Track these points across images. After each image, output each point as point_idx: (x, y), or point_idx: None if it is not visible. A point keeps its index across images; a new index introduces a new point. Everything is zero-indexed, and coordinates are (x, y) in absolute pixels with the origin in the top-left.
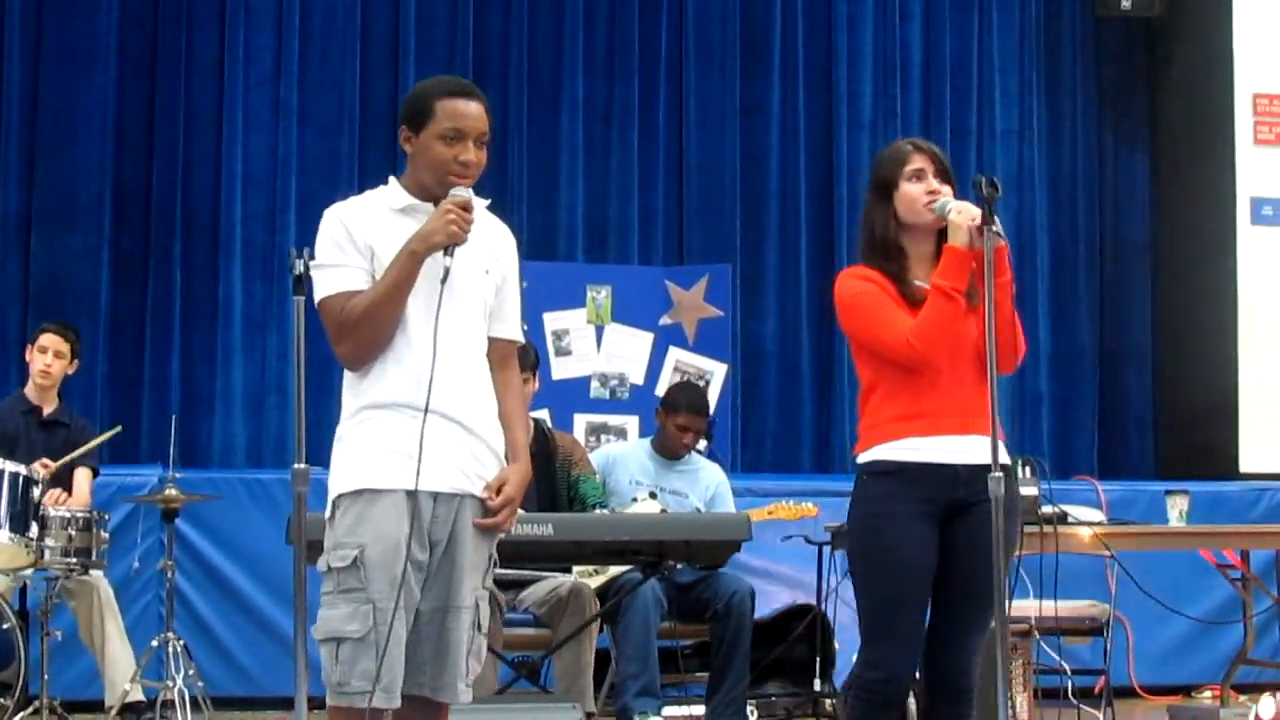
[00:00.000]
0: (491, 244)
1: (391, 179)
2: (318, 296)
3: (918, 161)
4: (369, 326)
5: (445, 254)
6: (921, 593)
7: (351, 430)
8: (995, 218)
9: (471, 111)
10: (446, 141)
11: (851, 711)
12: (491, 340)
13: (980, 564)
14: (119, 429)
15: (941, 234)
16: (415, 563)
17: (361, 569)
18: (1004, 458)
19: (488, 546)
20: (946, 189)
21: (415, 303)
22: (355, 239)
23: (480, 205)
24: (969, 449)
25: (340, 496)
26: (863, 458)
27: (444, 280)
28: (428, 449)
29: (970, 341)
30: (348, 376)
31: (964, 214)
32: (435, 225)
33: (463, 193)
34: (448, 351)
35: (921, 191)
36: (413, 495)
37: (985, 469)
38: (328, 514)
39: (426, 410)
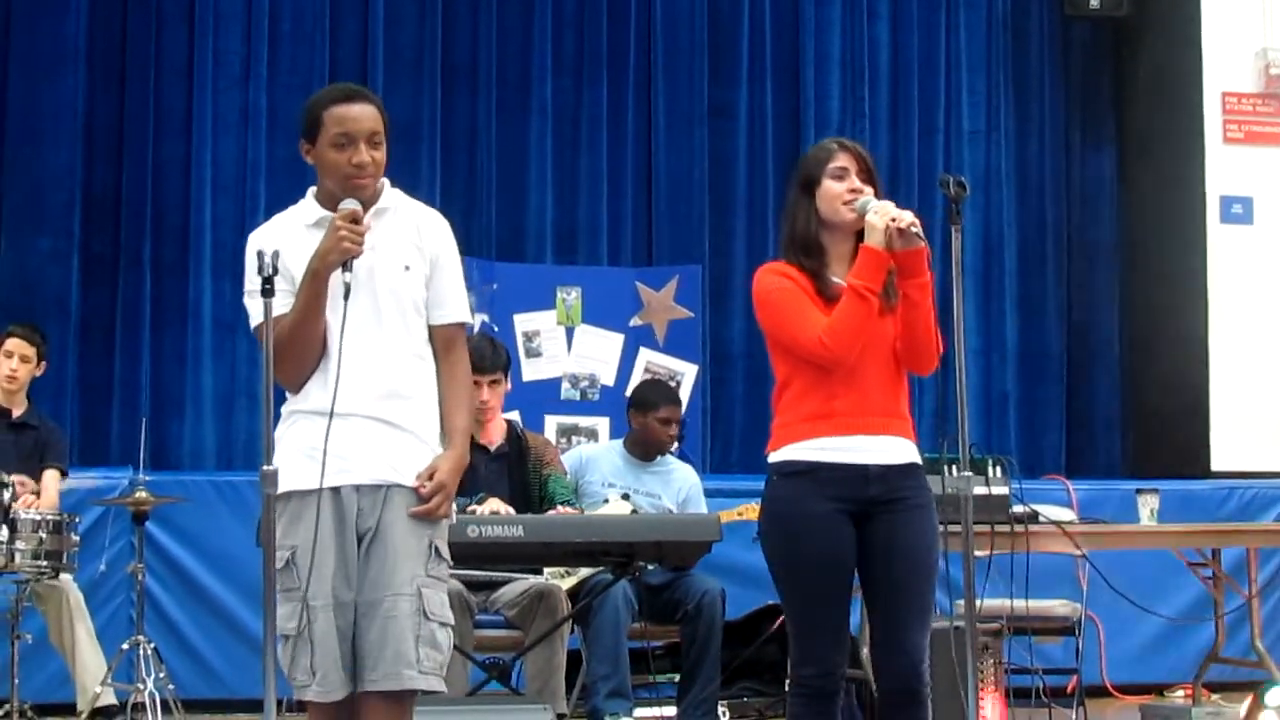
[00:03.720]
0: (412, 236)
1: (309, 191)
2: (251, 325)
3: (842, 160)
4: (292, 350)
5: (345, 269)
6: (842, 586)
7: (282, 435)
8: (960, 216)
9: (357, 114)
10: (338, 148)
11: (793, 709)
12: (433, 329)
13: (906, 563)
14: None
15: (862, 234)
16: (343, 558)
17: (294, 569)
18: (915, 457)
19: (427, 534)
20: (869, 189)
21: (333, 315)
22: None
23: (399, 197)
24: (880, 449)
25: (273, 499)
26: (774, 457)
27: (346, 296)
28: (346, 446)
29: (886, 341)
30: None
31: (882, 214)
32: (328, 244)
33: (350, 204)
34: (361, 356)
35: (843, 190)
36: (335, 493)
37: (897, 469)
38: None
39: (332, 414)
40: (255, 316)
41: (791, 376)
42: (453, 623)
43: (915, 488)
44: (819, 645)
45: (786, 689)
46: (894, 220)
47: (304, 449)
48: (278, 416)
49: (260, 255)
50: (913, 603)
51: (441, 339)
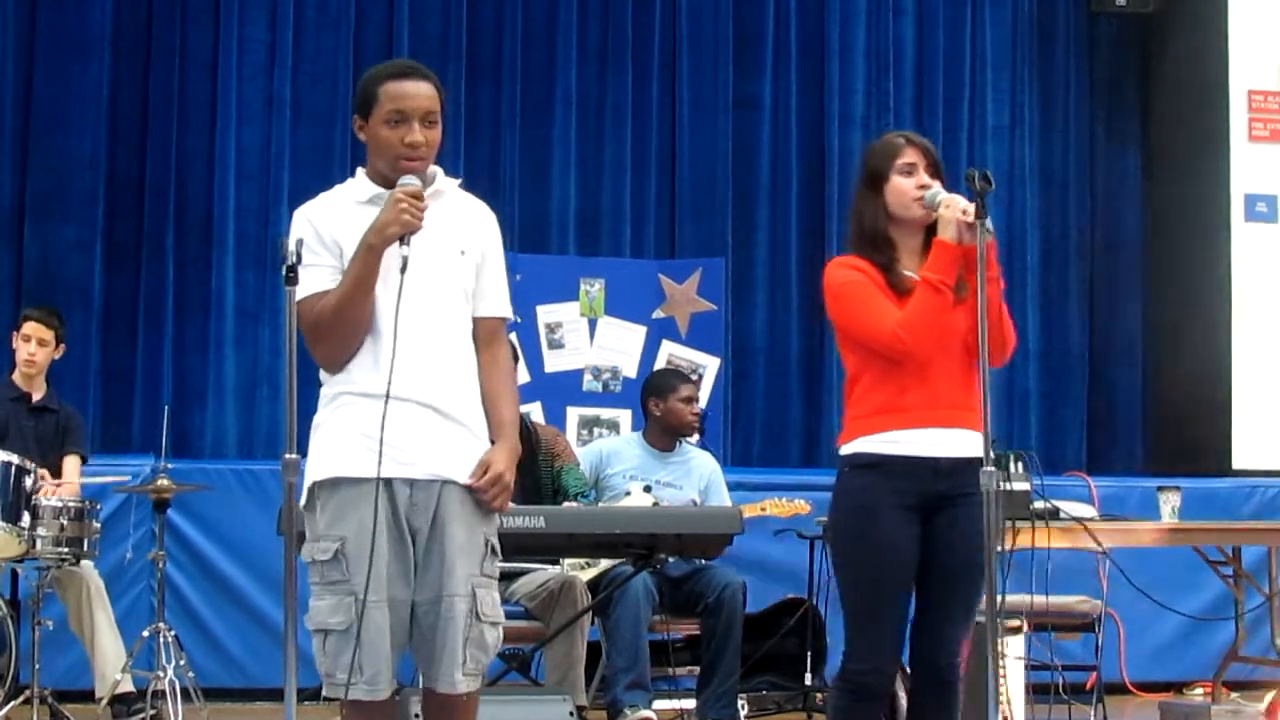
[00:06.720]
0: (466, 224)
1: (359, 170)
2: (294, 299)
3: (910, 155)
4: (338, 326)
5: (401, 243)
6: (904, 585)
7: (327, 418)
8: (987, 211)
9: (413, 91)
10: (391, 125)
11: (837, 702)
12: (477, 320)
13: (964, 557)
14: None
15: (930, 228)
16: (395, 553)
17: (344, 561)
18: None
19: (482, 532)
20: (936, 183)
21: (384, 291)
22: (323, 237)
23: (452, 185)
24: (951, 442)
25: (317, 485)
26: (845, 449)
27: (403, 270)
28: (400, 436)
29: (957, 335)
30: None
31: (953, 208)
32: (389, 216)
33: (411, 181)
34: (416, 338)
35: (912, 185)
36: (387, 484)
37: (967, 462)
38: (303, 502)
39: (387, 398)
40: (298, 291)
41: (862, 370)
42: (503, 620)
43: (978, 483)
44: (871, 642)
45: (806, 683)
46: (964, 213)
47: (356, 433)
48: (301, 405)
49: (284, 243)
50: (962, 597)
51: (485, 331)
